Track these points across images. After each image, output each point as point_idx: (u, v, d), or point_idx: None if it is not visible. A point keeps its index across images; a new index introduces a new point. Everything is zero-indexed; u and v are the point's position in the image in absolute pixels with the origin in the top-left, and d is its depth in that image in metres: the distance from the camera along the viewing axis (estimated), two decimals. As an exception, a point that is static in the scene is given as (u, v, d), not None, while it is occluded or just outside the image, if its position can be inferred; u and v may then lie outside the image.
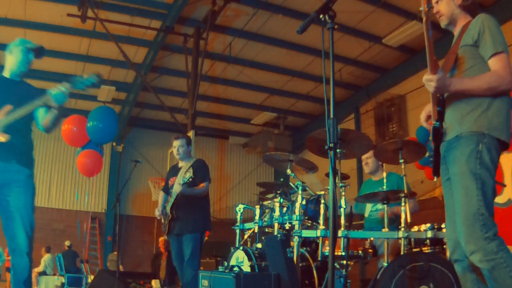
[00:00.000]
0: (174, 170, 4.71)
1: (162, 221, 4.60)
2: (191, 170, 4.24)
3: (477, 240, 2.00)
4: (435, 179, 2.33)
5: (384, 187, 3.59)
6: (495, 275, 1.98)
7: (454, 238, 2.19)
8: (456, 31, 2.34)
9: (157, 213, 4.58)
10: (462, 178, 2.11)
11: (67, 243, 10.73)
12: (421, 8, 1.95)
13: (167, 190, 4.70)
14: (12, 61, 3.03)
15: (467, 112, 2.16)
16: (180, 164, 4.68)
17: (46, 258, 10.50)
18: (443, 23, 2.38)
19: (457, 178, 2.13)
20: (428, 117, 2.40)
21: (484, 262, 1.99)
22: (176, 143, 4.60)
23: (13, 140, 2.81)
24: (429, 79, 2.12)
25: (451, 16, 2.33)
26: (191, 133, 9.04)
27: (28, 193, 2.97)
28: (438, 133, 2.25)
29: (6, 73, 3.02)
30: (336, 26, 2.07)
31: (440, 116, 2.25)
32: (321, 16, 2.07)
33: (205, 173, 4.47)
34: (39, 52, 3.13)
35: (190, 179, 4.18)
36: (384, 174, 3.79)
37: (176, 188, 4.25)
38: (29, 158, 3.02)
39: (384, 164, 4.12)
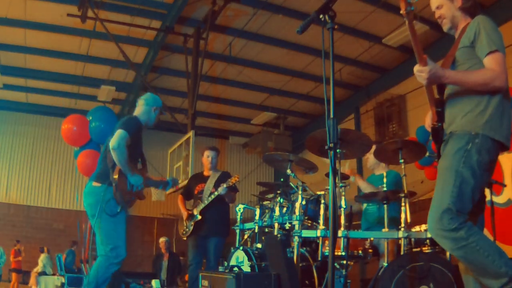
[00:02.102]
0: (200, 178, 5.04)
1: (185, 223, 4.82)
2: (230, 179, 4.56)
3: (444, 232, 2.02)
4: None
5: (384, 181, 3.59)
6: (471, 259, 2.00)
7: None
8: (457, 34, 2.35)
9: (186, 217, 4.83)
10: (443, 172, 2.13)
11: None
12: (401, 12, 1.96)
13: (188, 195, 5.04)
14: (151, 118, 3.72)
15: (465, 112, 2.17)
16: (207, 173, 4.99)
17: (42, 258, 10.51)
18: (445, 26, 2.38)
19: (440, 172, 2.16)
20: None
21: (455, 250, 2.01)
22: (211, 153, 4.98)
23: None
24: (420, 70, 2.11)
25: (453, 20, 2.34)
26: (191, 133, 9.04)
27: None
28: (438, 134, 2.25)
29: (143, 123, 3.68)
30: (336, 26, 2.07)
31: (440, 117, 2.25)
32: (321, 16, 2.07)
33: (235, 184, 4.74)
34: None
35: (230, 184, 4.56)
36: (385, 173, 3.79)
37: (221, 189, 4.54)
38: None
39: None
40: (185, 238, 4.87)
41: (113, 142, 3.30)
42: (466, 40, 2.20)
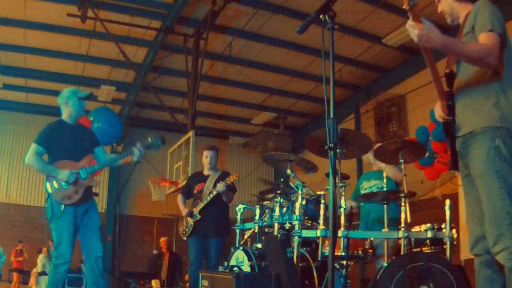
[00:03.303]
0: (199, 177, 5.04)
1: (185, 222, 4.83)
2: (228, 178, 4.58)
3: (504, 240, 1.99)
4: (457, 173, 2.32)
5: (384, 180, 3.59)
6: None
7: (475, 233, 2.18)
8: (461, 22, 2.33)
9: (185, 213, 4.85)
10: (483, 178, 2.08)
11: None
12: (404, 7, 1.92)
13: (188, 194, 5.05)
14: (71, 111, 3.79)
15: (476, 105, 2.14)
16: (206, 172, 4.99)
17: (41, 258, 10.52)
18: (448, 20, 2.38)
19: (479, 179, 2.11)
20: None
21: (508, 260, 1.98)
22: (210, 153, 4.98)
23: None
24: (413, 26, 1.99)
25: (451, 12, 2.34)
26: (191, 133, 9.03)
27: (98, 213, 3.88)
28: (450, 128, 2.23)
29: (67, 120, 3.80)
30: (336, 26, 2.07)
31: (451, 111, 2.22)
32: (321, 16, 2.06)
33: (234, 184, 4.75)
34: (89, 97, 3.93)
35: (229, 182, 4.57)
36: (384, 168, 3.79)
37: (219, 187, 4.57)
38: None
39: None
40: (185, 238, 4.87)
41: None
42: (469, 26, 2.19)
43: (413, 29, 1.99)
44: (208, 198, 4.64)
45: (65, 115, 3.81)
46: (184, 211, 4.87)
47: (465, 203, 2.30)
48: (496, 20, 2.10)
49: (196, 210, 4.73)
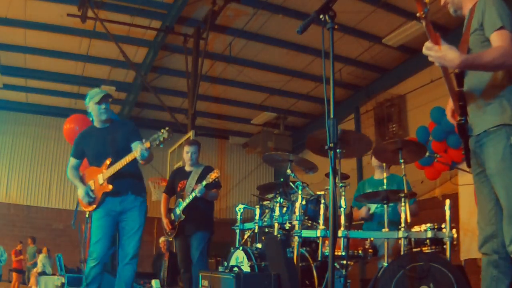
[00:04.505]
0: (182, 174, 4.78)
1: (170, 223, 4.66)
2: (209, 176, 4.38)
3: None
4: (470, 170, 2.31)
5: (384, 187, 3.59)
6: None
7: (485, 232, 2.17)
8: (466, 16, 2.29)
9: (165, 215, 4.68)
10: (500, 177, 2.06)
11: None
12: (418, 15, 1.89)
13: (172, 192, 4.81)
14: (94, 115, 3.78)
15: (487, 103, 2.12)
16: (188, 168, 4.76)
17: (41, 258, 10.53)
18: (451, 11, 2.34)
19: (496, 178, 2.09)
20: (453, 112, 2.33)
21: None
22: (191, 149, 4.72)
23: (123, 178, 3.65)
24: (429, 48, 1.98)
25: (453, 1, 2.30)
26: (191, 133, 9.03)
27: (141, 215, 3.80)
28: (464, 129, 2.21)
29: (96, 124, 3.83)
30: (336, 26, 2.06)
31: (463, 111, 2.20)
32: (321, 16, 2.06)
33: (218, 180, 4.56)
34: (108, 97, 3.77)
35: (210, 180, 4.37)
36: (385, 174, 3.79)
37: (198, 189, 4.36)
38: (141, 187, 3.88)
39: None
40: (170, 239, 4.75)
41: None
42: (476, 23, 2.15)
43: (430, 51, 1.99)
44: (191, 197, 4.43)
45: (93, 119, 3.83)
46: (163, 213, 4.69)
47: (477, 202, 2.29)
48: (504, 14, 2.06)
49: (179, 210, 4.54)
